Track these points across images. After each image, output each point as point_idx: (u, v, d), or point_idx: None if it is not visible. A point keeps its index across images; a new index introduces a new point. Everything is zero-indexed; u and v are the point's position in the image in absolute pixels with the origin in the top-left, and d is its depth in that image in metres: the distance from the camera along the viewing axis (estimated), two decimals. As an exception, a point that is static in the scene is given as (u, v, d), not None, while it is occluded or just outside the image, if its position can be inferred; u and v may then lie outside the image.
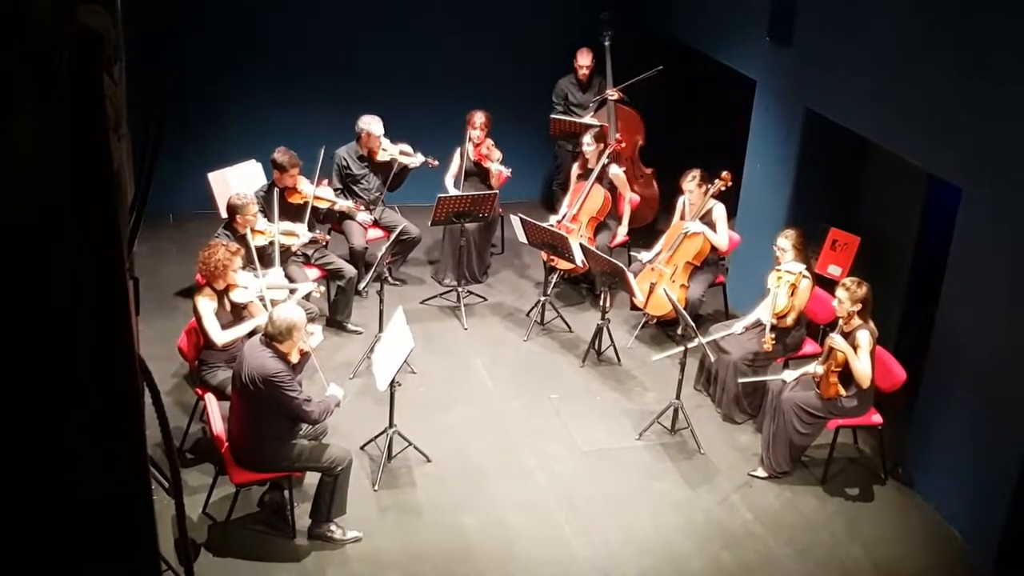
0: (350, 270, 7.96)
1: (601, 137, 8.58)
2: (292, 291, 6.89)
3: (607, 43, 9.22)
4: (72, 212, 1.63)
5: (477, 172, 8.81)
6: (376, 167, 8.47)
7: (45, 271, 1.63)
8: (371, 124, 8.30)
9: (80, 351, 1.70)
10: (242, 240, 7.04)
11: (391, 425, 6.51)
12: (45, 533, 1.76)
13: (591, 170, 8.44)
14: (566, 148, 9.40)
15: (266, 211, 7.49)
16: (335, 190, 8.30)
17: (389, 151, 8.43)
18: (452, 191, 8.66)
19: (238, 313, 6.48)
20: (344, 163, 8.39)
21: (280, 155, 7.72)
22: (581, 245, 7.73)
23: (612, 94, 9.24)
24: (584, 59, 9.37)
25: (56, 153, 1.61)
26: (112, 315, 1.72)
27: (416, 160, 8.52)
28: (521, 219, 7.95)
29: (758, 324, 7.13)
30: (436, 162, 8.64)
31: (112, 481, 1.80)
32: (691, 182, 7.84)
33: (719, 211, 7.85)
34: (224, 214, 7.30)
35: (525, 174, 9.83)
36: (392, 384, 6.24)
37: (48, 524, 1.77)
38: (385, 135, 8.45)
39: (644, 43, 9.56)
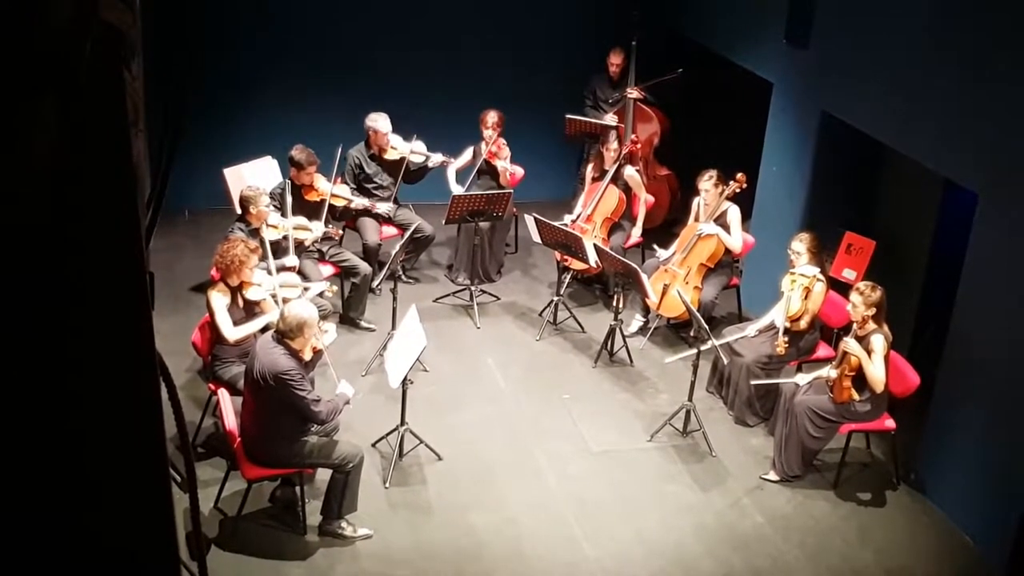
0: (364, 267, 7.98)
1: (618, 138, 8.59)
2: (305, 289, 6.91)
3: (634, 43, 9.24)
4: (91, 207, 1.64)
5: (489, 171, 8.83)
6: (387, 165, 8.48)
7: (63, 266, 1.64)
8: (377, 121, 8.32)
9: (98, 346, 1.70)
10: (256, 234, 7.07)
11: (403, 423, 6.52)
12: (63, 530, 1.77)
13: (606, 171, 8.44)
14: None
15: (282, 208, 7.52)
16: (350, 189, 8.32)
17: (399, 149, 8.44)
18: (454, 185, 8.69)
19: (251, 310, 6.50)
20: (356, 162, 8.41)
21: (298, 153, 7.75)
22: (595, 245, 7.72)
23: (632, 92, 9.26)
24: (616, 58, 9.42)
25: (75, 147, 1.62)
26: (130, 310, 1.72)
27: (434, 159, 8.54)
28: (535, 219, 7.95)
29: (771, 327, 7.12)
30: (452, 160, 8.68)
31: (131, 476, 1.81)
32: (708, 181, 7.82)
33: (734, 213, 7.83)
34: (238, 209, 7.33)
35: (542, 174, 9.84)
36: (404, 382, 6.25)
37: (66, 521, 1.77)
38: (401, 134, 8.47)
39: (670, 44, 9.56)
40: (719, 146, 8.61)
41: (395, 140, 8.43)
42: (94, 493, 1.77)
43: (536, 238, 8.07)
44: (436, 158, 8.56)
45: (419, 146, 8.54)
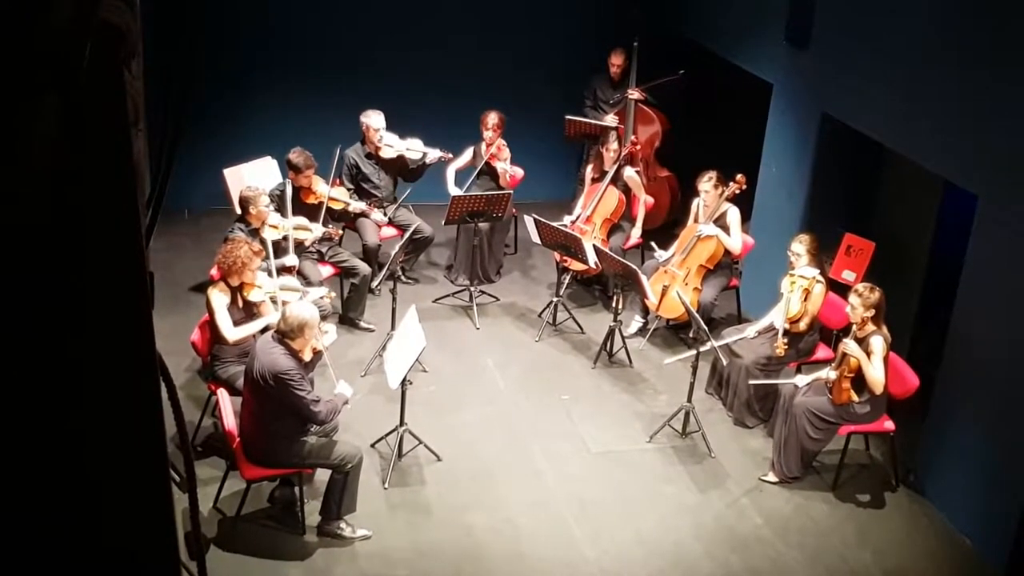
0: (364, 268, 7.98)
1: (618, 139, 8.59)
2: (304, 294, 6.90)
3: (635, 44, 9.25)
4: (91, 207, 1.64)
5: (488, 172, 8.83)
6: (385, 164, 8.48)
7: (63, 266, 1.64)
8: (370, 117, 8.32)
9: (98, 346, 1.71)
10: (256, 234, 7.07)
11: (402, 423, 6.52)
12: (63, 530, 1.77)
13: (606, 172, 8.44)
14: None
15: (281, 209, 7.52)
16: (347, 190, 8.31)
17: (395, 147, 8.43)
18: (452, 186, 8.69)
19: (250, 311, 6.50)
20: (353, 162, 8.40)
21: (295, 156, 7.75)
22: (594, 246, 7.72)
23: (633, 93, 9.26)
24: (617, 59, 9.43)
25: (75, 147, 1.62)
26: (130, 310, 1.72)
27: (432, 155, 8.53)
28: (535, 219, 7.95)
29: (771, 328, 7.12)
30: (451, 155, 8.67)
31: (131, 476, 1.81)
32: (707, 183, 7.82)
33: (733, 214, 7.82)
34: (238, 209, 7.33)
35: (542, 175, 9.84)
36: (403, 382, 6.26)
37: (66, 521, 1.77)
38: (401, 134, 8.46)
39: (670, 45, 9.56)
40: (719, 147, 8.61)
41: (391, 138, 8.42)
42: (94, 493, 1.77)
43: (536, 239, 8.07)
44: (433, 154, 8.54)
45: (415, 143, 8.53)
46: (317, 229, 7.65)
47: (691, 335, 7.08)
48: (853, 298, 6.33)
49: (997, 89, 5.78)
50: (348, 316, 8.04)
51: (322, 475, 6.02)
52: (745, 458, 6.88)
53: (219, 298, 6.35)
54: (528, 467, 6.66)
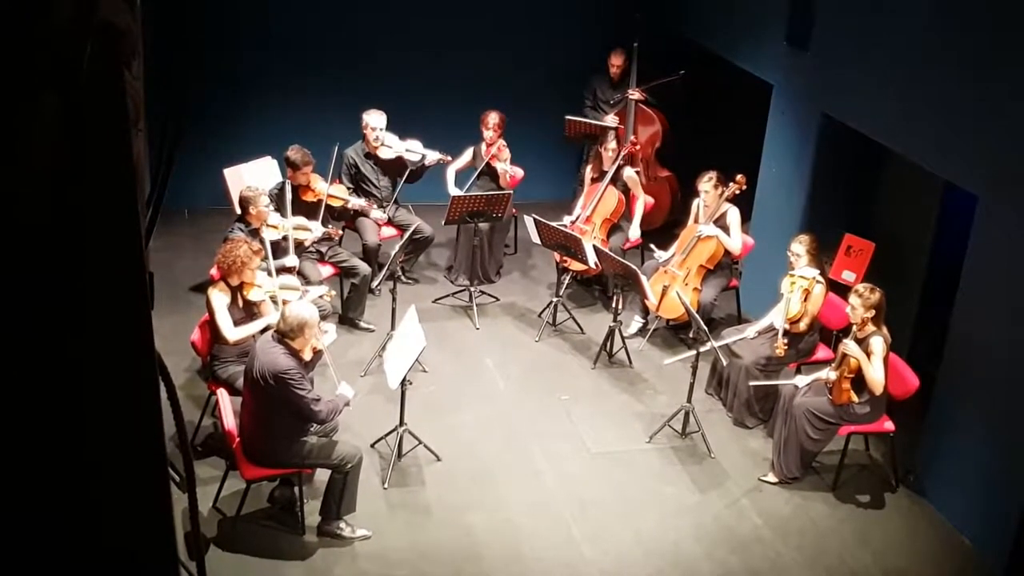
0: (364, 268, 7.98)
1: (616, 139, 8.59)
2: (304, 293, 6.90)
3: (635, 44, 9.25)
4: (91, 207, 1.64)
5: (489, 172, 8.82)
6: (384, 165, 8.47)
7: (63, 266, 1.64)
8: (371, 115, 8.31)
9: (98, 346, 1.71)
10: (256, 234, 7.07)
11: (401, 423, 6.52)
12: (63, 530, 1.77)
13: (605, 172, 8.43)
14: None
15: (280, 208, 7.52)
16: (347, 189, 8.31)
17: (394, 148, 8.42)
18: (452, 186, 8.68)
19: (250, 311, 6.50)
20: (352, 161, 8.39)
21: (293, 153, 7.74)
22: (594, 247, 7.72)
23: (633, 94, 9.26)
24: (617, 59, 9.43)
25: (75, 147, 1.62)
26: (130, 310, 1.72)
27: (430, 157, 8.52)
28: (535, 220, 7.95)
29: (771, 329, 7.12)
30: (449, 158, 8.66)
31: (131, 476, 1.81)
32: (707, 183, 7.82)
33: (733, 215, 7.82)
34: (238, 209, 7.33)
35: (542, 175, 9.84)
36: (403, 382, 6.26)
37: (66, 521, 1.77)
38: (399, 134, 8.46)
39: (671, 45, 9.57)
40: (719, 147, 8.61)
41: (390, 139, 8.41)
42: (94, 493, 1.77)
43: (535, 239, 8.07)
44: (432, 156, 8.53)
45: (414, 144, 8.52)
46: (317, 229, 7.64)
47: (691, 335, 7.08)
48: (853, 299, 6.33)
49: (997, 88, 5.78)
50: (348, 316, 8.04)
51: (322, 475, 6.02)
52: (745, 458, 6.88)
53: (219, 298, 6.35)
54: (528, 467, 6.66)
